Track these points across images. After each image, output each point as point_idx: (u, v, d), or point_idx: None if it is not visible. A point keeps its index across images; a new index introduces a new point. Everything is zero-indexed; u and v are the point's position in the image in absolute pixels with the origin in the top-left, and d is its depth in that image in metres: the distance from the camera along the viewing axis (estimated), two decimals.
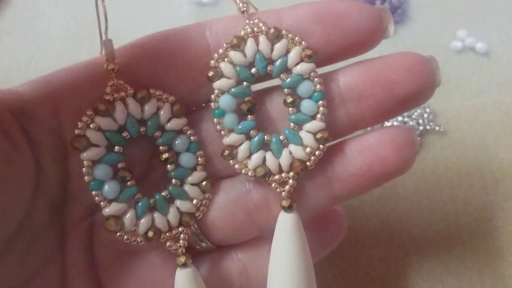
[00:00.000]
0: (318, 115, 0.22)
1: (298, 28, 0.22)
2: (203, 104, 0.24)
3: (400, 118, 0.35)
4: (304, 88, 0.22)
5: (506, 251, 0.32)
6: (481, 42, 0.36)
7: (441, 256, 0.32)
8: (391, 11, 0.37)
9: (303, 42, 0.22)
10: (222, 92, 0.22)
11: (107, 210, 0.22)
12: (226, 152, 0.23)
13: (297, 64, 0.22)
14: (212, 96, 0.22)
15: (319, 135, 0.22)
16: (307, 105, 0.22)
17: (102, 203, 0.22)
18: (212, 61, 0.22)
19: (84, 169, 0.22)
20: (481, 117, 0.35)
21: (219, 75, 0.22)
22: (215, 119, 0.23)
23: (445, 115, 0.35)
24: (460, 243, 0.32)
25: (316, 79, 0.22)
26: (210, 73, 0.22)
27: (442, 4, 0.38)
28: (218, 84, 0.22)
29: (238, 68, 0.22)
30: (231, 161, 0.23)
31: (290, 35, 0.22)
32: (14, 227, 0.21)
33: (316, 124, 0.22)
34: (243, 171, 0.23)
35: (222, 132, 0.23)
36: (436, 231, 0.32)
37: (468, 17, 0.38)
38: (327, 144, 0.23)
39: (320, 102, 0.22)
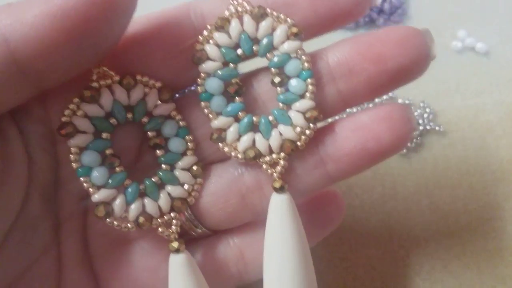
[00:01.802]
0: (307, 94, 0.22)
1: (284, 1, 0.22)
2: (191, 88, 0.24)
3: None
4: (291, 67, 0.22)
5: (506, 251, 0.32)
6: (481, 42, 0.36)
7: (441, 256, 0.32)
8: (391, 11, 0.37)
9: (288, 20, 0.21)
10: (209, 75, 0.22)
11: (96, 197, 0.22)
12: (215, 136, 0.22)
13: (283, 42, 0.22)
14: (199, 79, 0.22)
15: (308, 114, 0.22)
16: (295, 84, 0.22)
17: (91, 189, 0.22)
18: (197, 44, 0.22)
19: (71, 156, 0.22)
20: (481, 117, 0.35)
21: (205, 57, 0.22)
22: (202, 103, 0.22)
23: (445, 115, 0.35)
24: (460, 243, 0.32)
25: (303, 57, 0.22)
26: (196, 56, 0.22)
27: (442, 4, 0.38)
28: (204, 67, 0.22)
29: (223, 50, 0.22)
30: (220, 144, 0.23)
31: (275, 13, 0.22)
32: (11, 219, 0.21)
33: (305, 103, 0.22)
34: (232, 154, 0.22)
35: (210, 115, 0.22)
36: (436, 231, 0.32)
37: (468, 17, 0.38)
38: (318, 124, 0.22)
39: (309, 80, 0.22)
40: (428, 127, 0.34)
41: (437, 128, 0.34)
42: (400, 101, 0.36)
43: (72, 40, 0.18)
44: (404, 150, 0.34)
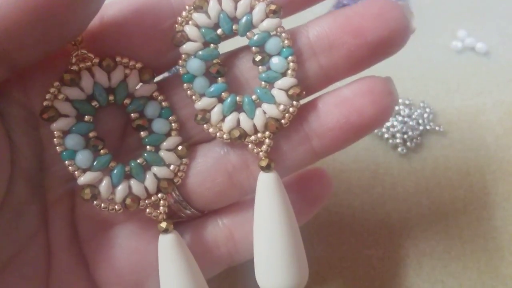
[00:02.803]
0: (289, 71, 0.22)
1: None
2: (172, 68, 0.24)
3: (400, 118, 0.35)
4: (271, 44, 0.22)
5: (506, 251, 0.32)
6: (481, 42, 0.36)
7: (441, 256, 0.32)
8: None
9: None
10: (189, 56, 0.22)
11: (82, 179, 0.22)
12: (199, 117, 0.22)
13: (262, 20, 0.22)
14: (180, 61, 0.22)
15: (291, 91, 0.22)
16: (276, 62, 0.22)
17: (76, 172, 0.22)
18: (177, 25, 0.22)
19: (55, 139, 0.22)
20: (481, 117, 0.35)
21: (185, 39, 0.22)
22: (185, 84, 0.22)
23: (445, 115, 0.35)
24: (460, 243, 0.32)
25: (283, 35, 0.22)
26: (176, 38, 0.22)
27: (442, 4, 0.38)
28: (184, 48, 0.22)
29: (203, 30, 0.22)
30: (205, 125, 0.23)
31: None
32: None
33: (287, 81, 0.22)
34: (217, 134, 0.22)
35: (194, 96, 0.22)
36: (436, 231, 0.32)
37: (468, 17, 0.38)
38: (302, 101, 0.22)
39: (290, 57, 0.22)
40: (428, 127, 0.34)
41: (437, 128, 0.34)
42: (400, 100, 0.35)
43: (38, 19, 0.18)
44: (404, 151, 0.34)
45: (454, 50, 0.37)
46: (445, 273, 0.31)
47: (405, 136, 0.34)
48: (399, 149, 0.34)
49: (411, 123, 0.34)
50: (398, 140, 0.34)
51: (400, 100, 0.36)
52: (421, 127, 0.34)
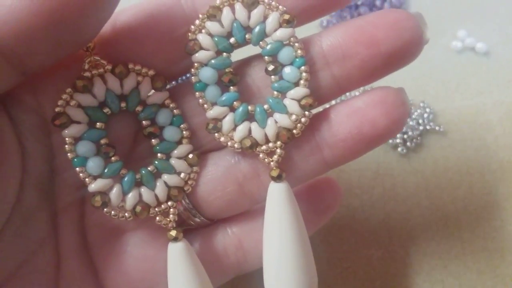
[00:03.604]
0: (301, 81, 0.22)
1: None
2: (184, 77, 0.24)
3: None
4: (284, 54, 0.22)
5: (506, 251, 0.32)
6: (481, 42, 0.36)
7: (441, 256, 0.32)
8: None
9: (280, 7, 0.21)
10: (202, 64, 0.22)
11: (93, 186, 0.22)
12: (211, 125, 0.22)
13: (275, 30, 0.22)
14: (192, 69, 0.22)
15: (303, 102, 0.22)
16: (289, 72, 0.22)
17: (87, 179, 0.22)
18: (189, 33, 0.22)
19: (66, 146, 0.22)
20: (481, 117, 0.35)
21: (198, 47, 0.22)
22: (197, 93, 0.22)
23: (445, 115, 0.35)
24: (460, 243, 0.32)
25: (296, 44, 0.22)
26: (188, 46, 0.22)
27: (442, 4, 0.38)
28: (197, 56, 0.22)
29: (216, 39, 0.22)
30: (216, 134, 0.22)
31: (266, 0, 0.21)
32: (6, 212, 0.21)
33: (300, 91, 0.22)
34: (229, 143, 0.22)
35: (205, 105, 0.22)
36: (436, 231, 0.32)
37: (468, 17, 0.38)
38: (314, 111, 0.22)
39: (302, 67, 0.22)
40: (428, 127, 0.34)
41: (437, 128, 0.34)
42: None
43: (51, 23, 0.18)
44: (404, 151, 0.34)
45: (454, 50, 0.37)
46: (445, 273, 0.31)
47: (405, 136, 0.34)
48: (399, 149, 0.34)
49: (411, 123, 0.35)
50: (398, 140, 0.34)
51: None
52: (421, 127, 0.34)
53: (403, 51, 0.22)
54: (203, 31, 0.22)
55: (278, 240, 0.22)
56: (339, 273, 0.31)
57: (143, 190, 0.22)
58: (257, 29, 0.22)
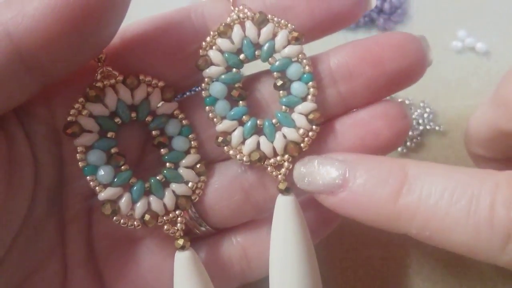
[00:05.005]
0: (309, 96, 0.22)
1: (281, 4, 0.22)
2: (194, 89, 0.24)
3: None
4: (293, 70, 0.22)
5: None
6: (481, 42, 0.36)
7: (442, 256, 0.32)
8: (391, 11, 0.37)
9: (289, 25, 0.22)
10: (212, 79, 0.23)
11: (103, 195, 0.22)
12: (220, 139, 0.23)
13: (284, 47, 0.22)
14: (203, 84, 0.23)
15: (311, 116, 0.22)
16: (297, 87, 0.22)
17: (97, 188, 0.22)
18: (201, 50, 0.22)
19: (78, 155, 0.22)
20: None
21: (208, 63, 0.22)
22: (207, 107, 0.23)
23: (445, 115, 0.35)
24: None
25: (304, 61, 0.22)
26: (199, 62, 0.22)
27: (442, 4, 0.38)
28: (208, 72, 0.22)
29: (226, 55, 0.23)
30: (225, 147, 0.23)
31: (276, 18, 0.22)
32: (18, 223, 0.22)
33: (307, 105, 0.22)
34: (238, 157, 0.23)
35: (215, 119, 0.23)
36: None
37: (468, 17, 0.38)
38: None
39: (310, 83, 0.22)
40: (428, 127, 0.34)
41: (437, 128, 0.34)
42: (400, 100, 0.35)
43: (73, 29, 0.18)
44: (404, 150, 0.34)
45: (454, 50, 0.37)
46: (445, 273, 0.31)
47: None
48: (399, 148, 0.34)
49: None
50: None
51: (399, 100, 0.36)
52: (421, 127, 0.34)
53: (407, 71, 0.22)
54: (213, 47, 0.22)
55: (284, 252, 0.22)
56: (339, 273, 0.31)
57: (152, 198, 0.23)
58: (266, 46, 0.22)
